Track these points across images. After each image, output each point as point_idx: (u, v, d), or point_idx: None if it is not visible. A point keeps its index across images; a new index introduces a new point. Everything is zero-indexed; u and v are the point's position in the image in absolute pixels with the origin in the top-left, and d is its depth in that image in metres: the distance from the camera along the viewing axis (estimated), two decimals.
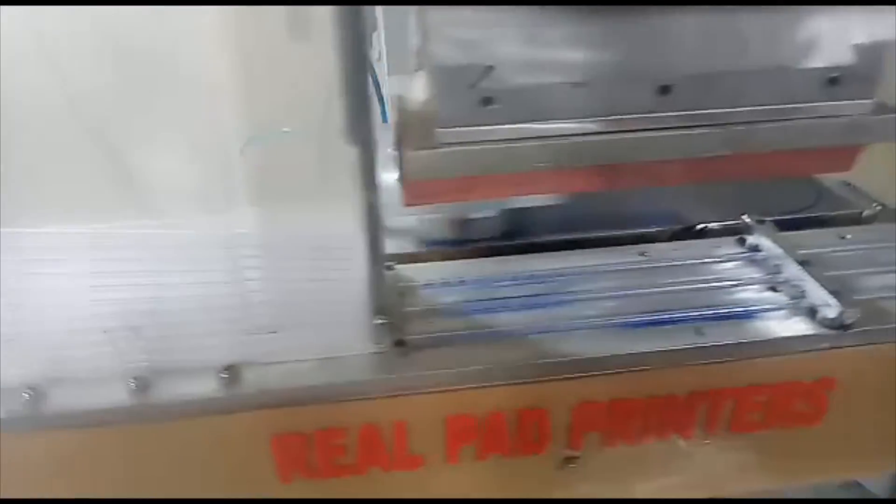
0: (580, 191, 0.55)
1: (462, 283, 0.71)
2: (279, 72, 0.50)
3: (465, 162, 0.49)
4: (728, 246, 0.78)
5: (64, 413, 0.56)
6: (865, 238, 0.79)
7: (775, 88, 0.51)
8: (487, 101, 0.47)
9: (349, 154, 0.50)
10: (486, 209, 0.83)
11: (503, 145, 0.49)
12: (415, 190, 0.53)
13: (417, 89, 0.50)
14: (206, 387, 0.58)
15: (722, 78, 0.49)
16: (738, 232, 0.79)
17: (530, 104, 0.48)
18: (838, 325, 0.64)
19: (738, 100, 0.51)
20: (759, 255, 0.75)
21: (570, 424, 0.64)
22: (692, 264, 0.74)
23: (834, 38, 0.49)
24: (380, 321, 0.59)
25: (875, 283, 0.71)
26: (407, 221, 0.83)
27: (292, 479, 0.62)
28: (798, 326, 0.65)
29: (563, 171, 0.52)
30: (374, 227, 0.54)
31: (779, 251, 0.73)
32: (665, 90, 0.49)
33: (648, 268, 0.74)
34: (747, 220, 0.78)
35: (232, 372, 0.58)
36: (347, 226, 0.56)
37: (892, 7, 0.47)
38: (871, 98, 0.53)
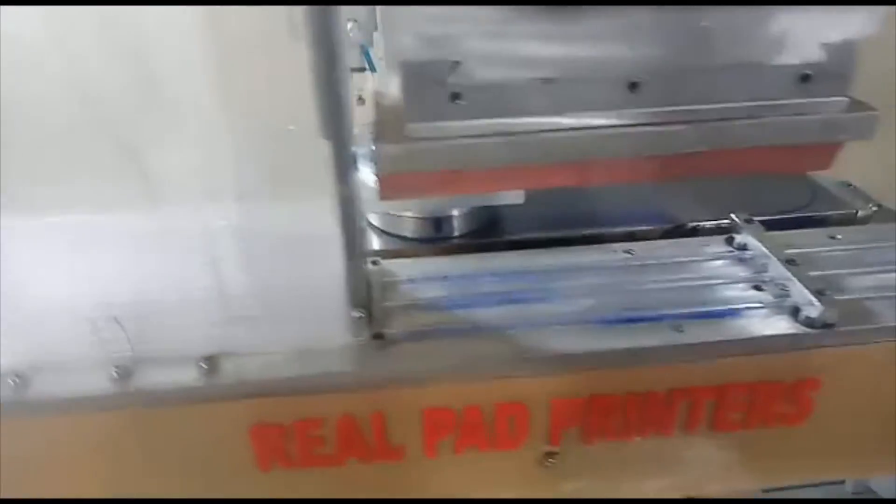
0: (554, 186, 0.55)
1: (445, 278, 0.72)
2: (278, 69, 0.51)
3: (435, 157, 0.50)
4: (716, 245, 0.77)
5: (49, 400, 0.58)
6: (856, 238, 0.79)
7: (747, 85, 0.51)
8: (456, 96, 0.48)
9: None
10: (476, 206, 0.84)
11: (472, 141, 0.50)
12: (390, 184, 0.53)
13: (393, 85, 0.51)
14: (186, 376, 0.59)
15: (693, 74, 0.49)
16: (729, 231, 0.79)
17: (498, 100, 0.49)
18: (820, 325, 0.64)
19: (710, 96, 0.51)
20: (746, 254, 0.75)
21: (548, 420, 0.65)
22: (677, 263, 0.74)
23: (807, 36, 0.49)
24: (357, 314, 0.60)
25: (862, 283, 0.71)
26: (394, 217, 0.84)
27: (271, 468, 0.63)
28: (780, 325, 0.65)
29: (536, 167, 0.52)
30: (350, 220, 0.55)
31: (765, 250, 0.72)
32: (634, 86, 0.49)
33: (633, 266, 0.74)
34: (735, 219, 0.78)
35: (211, 362, 0.59)
36: (330, 220, 0.57)
37: (865, 5, 0.47)
38: (845, 96, 0.52)
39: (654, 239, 0.83)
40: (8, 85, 0.48)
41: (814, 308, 0.64)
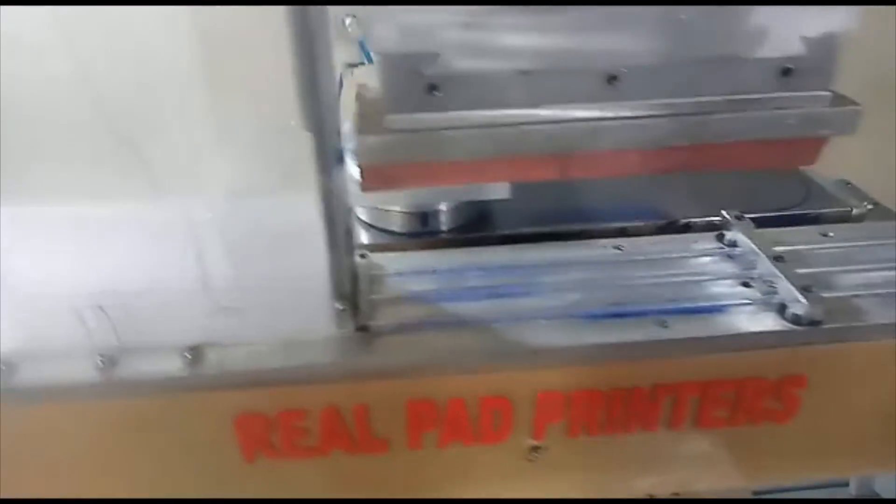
0: (537, 179, 0.55)
1: (432, 272, 0.72)
2: (270, 65, 0.51)
3: (413, 148, 0.50)
4: (705, 241, 0.77)
5: (33, 388, 0.58)
6: (849, 236, 0.78)
7: (727, 79, 0.51)
8: (433, 87, 0.48)
9: None
10: (464, 201, 0.84)
11: (450, 133, 0.50)
12: (371, 176, 0.53)
13: (375, 76, 0.51)
14: (170, 366, 0.59)
15: (672, 68, 0.49)
16: (720, 228, 0.79)
17: (476, 92, 0.49)
18: (807, 322, 0.64)
19: (690, 90, 0.51)
20: (736, 251, 0.75)
21: (532, 414, 0.65)
22: (666, 258, 0.74)
23: (787, 29, 0.49)
24: (341, 306, 0.60)
25: (852, 280, 0.70)
26: (382, 211, 0.84)
27: (256, 458, 0.63)
28: (766, 322, 0.65)
29: (516, 160, 0.52)
30: (332, 213, 0.55)
31: (754, 247, 0.72)
32: (613, 79, 0.49)
33: (621, 261, 0.74)
34: (726, 215, 0.78)
35: (196, 352, 0.60)
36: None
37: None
38: (827, 90, 0.52)
39: (647, 235, 0.82)
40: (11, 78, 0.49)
41: (800, 305, 0.64)
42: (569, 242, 0.77)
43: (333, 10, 0.54)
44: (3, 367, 0.58)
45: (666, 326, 0.63)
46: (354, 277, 0.68)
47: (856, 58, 0.53)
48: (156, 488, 0.64)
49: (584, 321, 0.65)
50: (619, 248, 0.76)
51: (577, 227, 0.83)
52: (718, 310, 0.66)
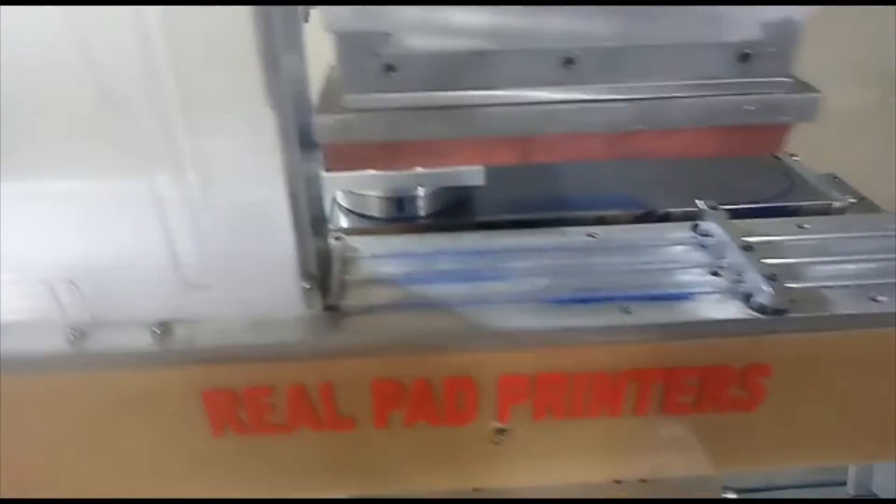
0: (497, 163, 0.55)
1: (405, 256, 0.73)
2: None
3: (370, 128, 0.51)
4: (680, 231, 0.78)
5: (5, 358, 0.60)
6: (825, 228, 0.78)
7: (685, 64, 0.51)
8: (390, 68, 0.49)
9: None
10: (442, 187, 0.85)
11: (406, 113, 0.51)
12: (334, 155, 0.54)
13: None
14: (139, 341, 0.61)
15: (628, 51, 0.50)
16: (697, 218, 0.79)
17: (432, 73, 0.50)
18: (771, 311, 0.64)
19: (647, 74, 0.51)
20: (708, 240, 0.75)
21: (496, 396, 0.65)
22: (637, 247, 0.74)
23: (745, 14, 0.49)
24: (307, 286, 0.61)
25: (823, 271, 0.71)
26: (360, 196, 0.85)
27: (224, 432, 0.65)
28: (730, 310, 0.65)
29: (476, 142, 0.53)
30: (296, 191, 0.56)
31: (726, 237, 0.73)
32: (569, 62, 0.49)
33: (593, 248, 0.74)
34: (701, 205, 0.78)
35: (165, 327, 0.61)
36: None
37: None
38: (787, 76, 0.52)
39: (624, 224, 0.83)
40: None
41: (764, 294, 0.64)
42: (543, 229, 0.78)
43: None
44: None
45: (629, 312, 0.64)
46: (326, 258, 0.69)
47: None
48: (125, 461, 0.66)
49: (550, 306, 0.66)
50: (593, 236, 0.76)
51: (555, 214, 0.83)
52: (684, 297, 0.67)
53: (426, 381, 0.64)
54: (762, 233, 0.75)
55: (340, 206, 0.86)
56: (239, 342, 0.62)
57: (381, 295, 0.67)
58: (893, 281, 0.68)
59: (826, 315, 0.65)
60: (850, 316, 0.65)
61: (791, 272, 0.69)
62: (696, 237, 0.76)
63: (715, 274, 0.70)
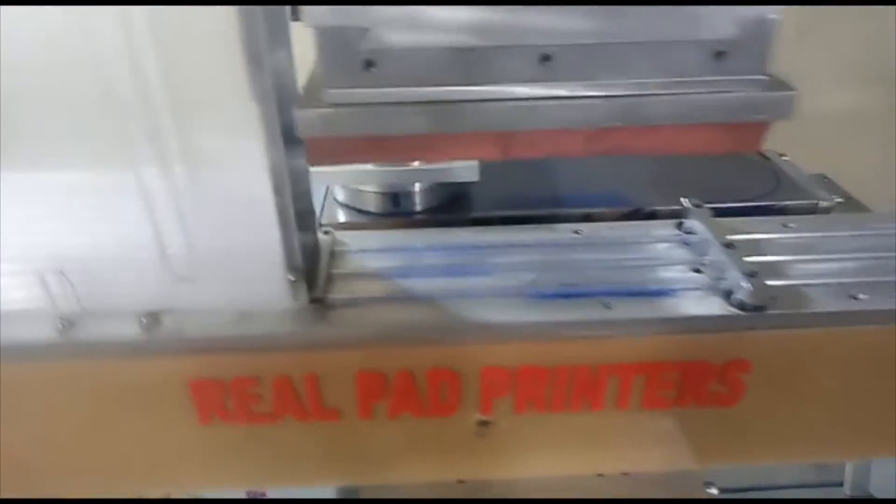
0: (476, 158, 0.57)
1: (393, 250, 0.74)
2: None
3: (349, 123, 0.52)
4: (665, 228, 0.79)
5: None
6: (810, 227, 0.79)
7: (660, 61, 0.52)
8: (369, 63, 0.50)
9: None
10: (437, 183, 0.86)
11: (384, 108, 0.52)
12: (315, 149, 0.56)
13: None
14: (128, 330, 0.62)
15: (604, 49, 0.51)
16: (682, 216, 0.80)
17: (412, 69, 0.51)
18: (751, 307, 0.65)
19: (623, 72, 0.52)
20: (692, 238, 0.76)
21: (478, 388, 0.66)
22: (621, 243, 0.75)
23: (721, 11, 0.50)
24: (293, 278, 0.62)
25: (804, 269, 0.71)
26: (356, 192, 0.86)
27: (211, 421, 0.66)
28: (710, 306, 0.66)
29: (456, 138, 0.54)
30: (281, 184, 0.58)
31: (709, 235, 0.73)
32: (546, 59, 0.50)
33: (578, 245, 0.75)
34: (685, 203, 0.79)
35: (153, 318, 0.62)
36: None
37: None
38: (762, 74, 0.53)
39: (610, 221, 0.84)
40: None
41: (743, 290, 0.65)
42: (529, 226, 0.79)
43: None
44: None
45: (610, 307, 0.65)
46: (314, 252, 0.70)
47: None
48: (114, 448, 0.67)
49: (532, 300, 0.67)
50: (578, 233, 0.77)
51: (543, 211, 0.84)
52: (665, 293, 0.68)
53: (409, 373, 0.65)
54: (745, 231, 0.76)
55: (337, 201, 0.87)
56: (225, 333, 0.63)
57: (367, 288, 0.68)
58: (875, 279, 0.69)
59: (806, 312, 0.66)
60: (829, 313, 0.66)
61: (772, 270, 0.70)
62: (679, 235, 0.77)
63: (697, 271, 0.71)
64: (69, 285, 0.61)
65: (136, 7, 0.50)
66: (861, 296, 0.67)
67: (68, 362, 0.63)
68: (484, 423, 0.69)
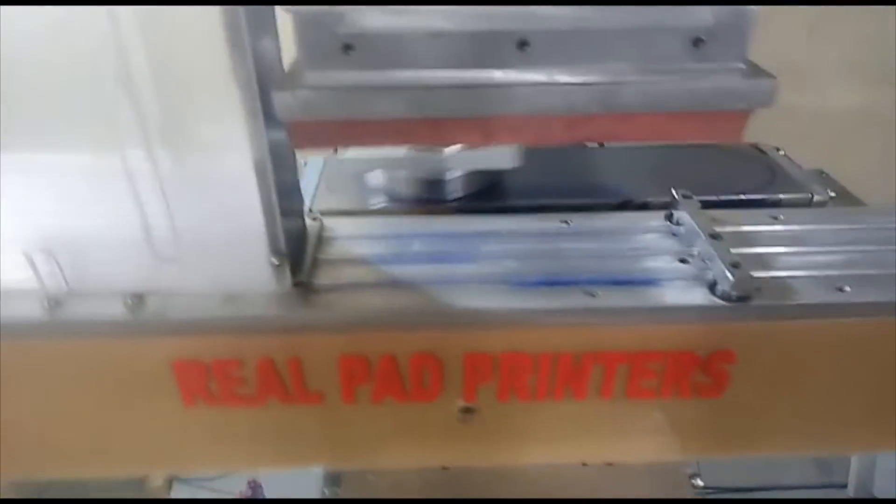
0: (457, 143, 0.57)
1: (380, 237, 0.75)
2: None
3: (327, 106, 0.52)
4: (653, 219, 0.78)
5: None
6: (800, 220, 0.79)
7: (638, 48, 0.52)
8: (348, 47, 0.50)
9: None
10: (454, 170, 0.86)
11: (362, 90, 0.52)
12: (296, 132, 0.56)
13: None
14: (113, 310, 0.63)
15: (582, 35, 0.51)
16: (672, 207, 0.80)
17: (390, 53, 0.51)
18: (735, 298, 0.65)
19: (601, 59, 0.52)
20: (680, 229, 0.76)
21: (461, 374, 0.67)
22: (609, 233, 0.75)
23: None
24: (276, 262, 0.63)
25: (791, 261, 0.71)
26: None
27: (195, 403, 0.67)
28: (694, 296, 0.66)
29: (437, 122, 0.54)
30: (264, 168, 0.58)
31: (696, 226, 0.73)
32: (523, 45, 0.50)
33: (565, 234, 0.75)
34: (674, 194, 0.79)
35: (137, 299, 0.63)
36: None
37: None
38: (742, 62, 0.53)
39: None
40: None
41: (727, 281, 0.65)
42: (518, 215, 0.79)
43: None
44: None
45: (594, 296, 0.65)
46: (299, 237, 0.70)
47: None
48: (98, 428, 0.68)
49: (515, 288, 0.67)
50: (566, 223, 0.77)
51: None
52: (650, 283, 0.68)
53: (392, 357, 0.65)
54: (734, 223, 0.76)
55: (370, 187, 0.88)
56: (209, 315, 0.63)
57: (352, 273, 0.69)
58: (862, 272, 0.69)
59: (790, 304, 0.66)
60: (814, 305, 0.66)
61: (759, 261, 0.70)
62: (668, 226, 0.77)
63: (683, 261, 0.71)
64: (56, 265, 0.62)
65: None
66: (847, 288, 0.66)
67: (55, 341, 0.63)
68: (467, 410, 0.69)
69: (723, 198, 0.86)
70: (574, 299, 0.65)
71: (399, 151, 0.81)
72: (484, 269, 0.70)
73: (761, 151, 1.01)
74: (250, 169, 0.59)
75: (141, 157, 0.59)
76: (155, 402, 0.67)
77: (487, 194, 0.90)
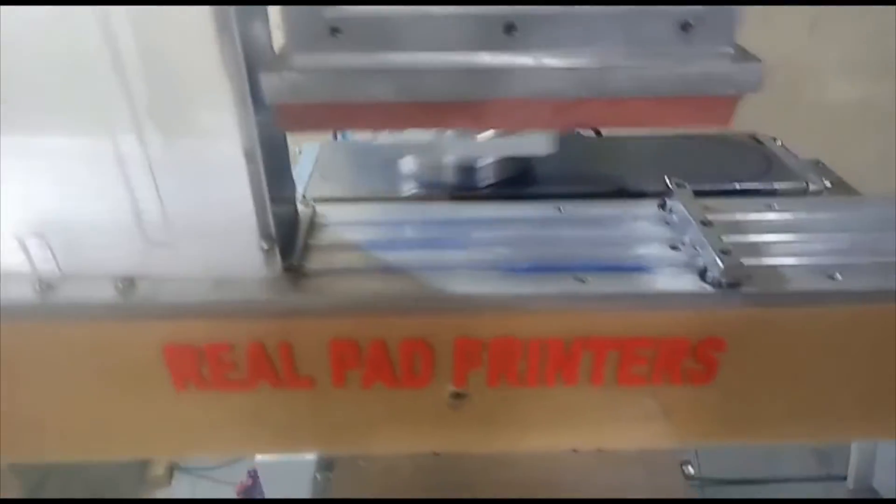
0: (446, 126, 0.57)
1: (373, 223, 0.75)
2: None
3: (314, 89, 0.52)
4: (647, 207, 0.78)
5: None
6: (794, 208, 0.79)
7: (625, 32, 0.52)
8: (335, 30, 0.50)
9: None
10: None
11: (348, 74, 0.52)
12: (283, 114, 0.56)
13: None
14: (104, 294, 0.63)
15: (568, 19, 0.51)
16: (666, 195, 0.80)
17: (378, 35, 0.51)
18: (725, 285, 0.65)
19: (588, 43, 0.52)
20: (673, 216, 0.76)
21: (451, 360, 0.67)
22: (601, 221, 0.75)
23: None
24: (266, 246, 0.63)
25: (783, 249, 0.71)
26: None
27: (186, 387, 0.67)
28: (684, 283, 0.66)
29: (423, 105, 0.54)
30: (253, 152, 0.58)
31: (687, 214, 0.73)
32: (510, 28, 0.50)
33: (557, 221, 0.75)
34: (668, 182, 0.79)
35: (128, 282, 0.63)
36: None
37: None
38: (730, 46, 0.53)
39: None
40: None
41: (717, 267, 0.65)
42: (513, 202, 0.79)
43: None
44: None
45: (584, 282, 0.65)
46: (290, 221, 0.70)
47: None
48: (90, 413, 0.68)
49: (506, 273, 0.67)
50: (559, 210, 0.77)
51: (531, 190, 0.84)
52: (641, 269, 0.68)
53: (382, 342, 0.66)
54: (727, 211, 0.76)
55: (402, 174, 0.88)
56: (199, 299, 0.64)
57: (343, 259, 0.69)
58: (853, 260, 0.69)
59: (780, 291, 0.65)
60: (804, 292, 0.66)
61: (750, 249, 0.70)
62: (661, 214, 0.77)
63: (674, 248, 0.71)
64: (48, 249, 0.62)
65: None
66: (838, 276, 0.66)
67: (46, 325, 0.64)
68: (458, 396, 0.69)
69: (718, 187, 0.86)
70: (564, 285, 0.65)
71: (429, 136, 0.82)
72: (475, 255, 0.70)
73: (758, 142, 1.01)
74: (240, 154, 0.59)
75: (132, 141, 0.59)
76: (146, 385, 0.67)
77: (518, 182, 0.90)
